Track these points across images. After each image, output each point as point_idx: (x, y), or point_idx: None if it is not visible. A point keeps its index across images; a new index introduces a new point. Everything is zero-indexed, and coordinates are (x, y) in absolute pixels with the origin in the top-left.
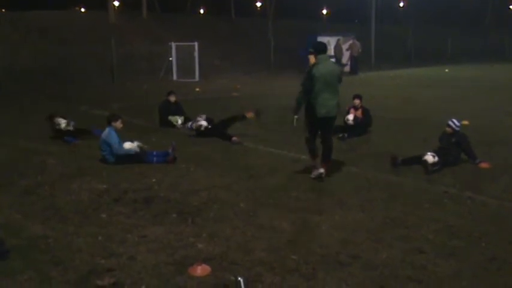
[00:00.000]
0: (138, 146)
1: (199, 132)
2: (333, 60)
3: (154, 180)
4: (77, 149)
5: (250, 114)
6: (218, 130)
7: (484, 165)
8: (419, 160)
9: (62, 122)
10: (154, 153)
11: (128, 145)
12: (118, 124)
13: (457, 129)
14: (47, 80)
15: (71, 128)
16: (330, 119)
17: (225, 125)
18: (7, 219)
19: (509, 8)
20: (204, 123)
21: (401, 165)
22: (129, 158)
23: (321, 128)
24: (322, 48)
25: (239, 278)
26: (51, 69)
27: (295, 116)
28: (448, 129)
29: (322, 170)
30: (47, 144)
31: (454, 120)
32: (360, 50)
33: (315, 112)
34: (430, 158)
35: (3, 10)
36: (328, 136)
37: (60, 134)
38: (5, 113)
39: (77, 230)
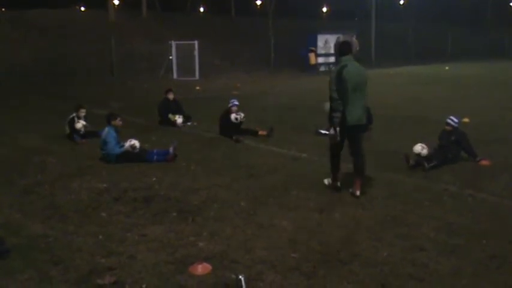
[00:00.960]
0: (130, 146)
1: (234, 124)
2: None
3: (154, 179)
4: (77, 148)
5: (262, 132)
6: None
7: (484, 162)
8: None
9: (82, 123)
10: (155, 151)
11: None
12: (117, 122)
13: (456, 126)
14: (47, 79)
15: (82, 130)
16: (360, 126)
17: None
18: (7, 218)
19: (510, 6)
20: (240, 117)
21: (414, 167)
22: (129, 157)
23: (349, 138)
24: (346, 50)
25: (240, 277)
26: (51, 68)
27: (338, 129)
28: (447, 127)
29: (338, 184)
30: (47, 143)
31: (453, 118)
32: (357, 48)
33: (345, 120)
34: (418, 147)
35: (3, 9)
36: (359, 147)
37: (72, 131)
38: (4, 112)
39: (77, 229)
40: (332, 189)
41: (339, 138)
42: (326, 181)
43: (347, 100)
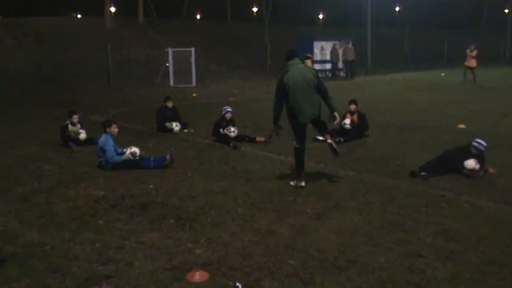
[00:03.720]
0: (130, 153)
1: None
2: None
3: (151, 185)
4: (74, 155)
5: (260, 139)
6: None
7: (490, 170)
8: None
9: (82, 132)
10: (152, 158)
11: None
12: (113, 129)
13: (483, 149)
14: (44, 86)
15: (83, 136)
16: (315, 119)
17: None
18: (4, 226)
19: (504, 12)
20: (233, 133)
21: (422, 173)
22: (126, 164)
23: (314, 127)
24: (290, 55)
25: (237, 284)
26: (48, 74)
27: (275, 126)
28: (474, 150)
29: (303, 184)
30: (43, 150)
31: (482, 142)
32: (353, 57)
33: (298, 120)
34: (472, 163)
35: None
36: (322, 125)
37: (67, 139)
38: (0, 119)
39: (74, 236)
40: (298, 188)
41: (276, 135)
42: (292, 183)
43: (294, 102)
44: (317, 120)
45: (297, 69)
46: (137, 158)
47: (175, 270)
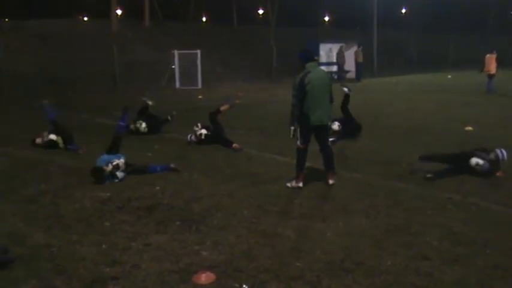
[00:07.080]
0: (113, 166)
1: (201, 140)
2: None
3: (157, 188)
4: (80, 157)
5: (236, 146)
6: (219, 136)
7: (498, 173)
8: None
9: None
10: (158, 167)
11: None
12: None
13: (500, 159)
14: (50, 88)
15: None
16: (323, 127)
17: (222, 129)
18: (10, 227)
19: (511, 15)
20: (203, 131)
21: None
22: (132, 170)
23: (316, 137)
24: (310, 57)
25: (244, 286)
26: (54, 76)
27: (292, 128)
28: (492, 156)
29: (301, 184)
30: (49, 152)
31: (504, 151)
32: (360, 60)
33: (309, 121)
34: (476, 160)
35: (7, 20)
36: (325, 144)
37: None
38: (6, 121)
39: (81, 238)
40: (295, 189)
41: (292, 137)
42: (289, 184)
43: (309, 103)
44: (323, 130)
45: (319, 72)
46: (118, 173)
47: (182, 272)
